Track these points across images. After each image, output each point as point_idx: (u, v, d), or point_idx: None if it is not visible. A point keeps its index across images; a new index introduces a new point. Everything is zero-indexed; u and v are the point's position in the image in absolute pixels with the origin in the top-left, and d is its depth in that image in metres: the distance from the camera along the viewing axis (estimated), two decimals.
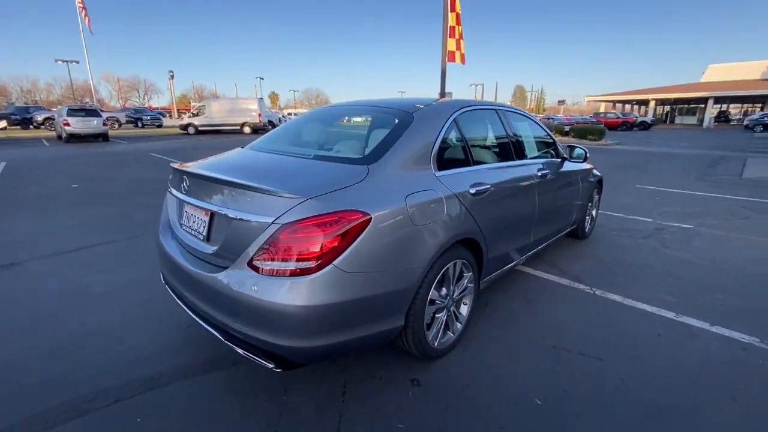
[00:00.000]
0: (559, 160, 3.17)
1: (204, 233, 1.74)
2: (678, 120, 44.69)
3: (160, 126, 29.78)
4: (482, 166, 2.29)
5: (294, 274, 1.42)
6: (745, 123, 30.36)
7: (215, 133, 22.47)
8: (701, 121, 39.30)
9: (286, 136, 2.60)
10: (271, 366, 1.53)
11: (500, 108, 2.77)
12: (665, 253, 3.66)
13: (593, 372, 1.97)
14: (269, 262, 1.46)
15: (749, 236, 4.19)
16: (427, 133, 2.02)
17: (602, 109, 44.26)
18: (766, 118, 27.99)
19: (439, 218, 1.82)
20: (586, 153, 3.26)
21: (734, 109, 47.89)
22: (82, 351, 2.09)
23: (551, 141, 3.24)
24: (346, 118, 2.86)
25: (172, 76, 39.50)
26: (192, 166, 1.95)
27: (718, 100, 39.43)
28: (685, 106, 44.06)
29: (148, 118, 30.50)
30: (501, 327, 2.37)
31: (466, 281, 2.12)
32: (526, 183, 2.59)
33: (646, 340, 2.26)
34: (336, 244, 1.43)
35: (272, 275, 1.45)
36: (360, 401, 1.75)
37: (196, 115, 22.74)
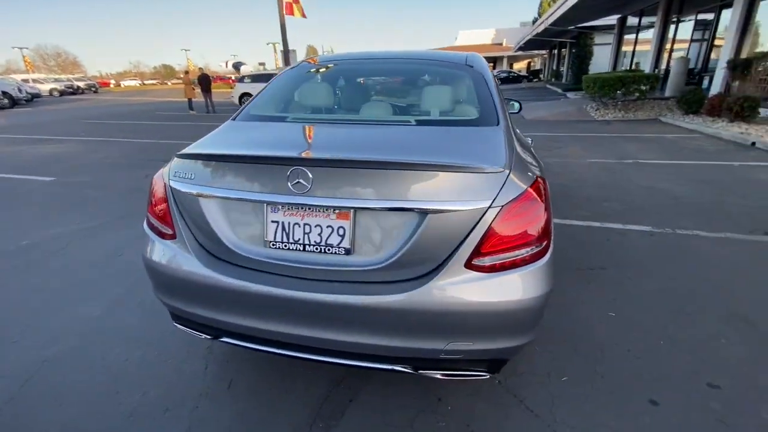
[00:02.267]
0: None
1: (345, 243, 1.24)
2: None
3: None
4: None
5: (525, 262, 1.21)
6: None
7: None
8: None
9: (316, 102, 2.03)
10: (484, 374, 1.32)
11: None
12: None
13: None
14: (495, 256, 1.19)
15: (580, 158, 5.82)
16: (496, 85, 1.93)
17: None
18: (501, 74, 37.46)
19: None
20: (520, 105, 3.63)
21: None
22: None
23: None
24: (376, 76, 2.36)
25: None
26: (308, 152, 1.31)
27: None
28: None
29: None
30: None
31: None
32: None
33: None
34: (549, 215, 1.29)
35: (501, 270, 1.20)
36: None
37: None
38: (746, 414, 1.53)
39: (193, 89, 14.86)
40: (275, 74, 13.08)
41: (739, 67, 8.97)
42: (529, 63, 50.68)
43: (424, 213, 1.17)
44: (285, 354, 1.40)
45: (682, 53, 13.41)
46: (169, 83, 72.63)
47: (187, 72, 16.39)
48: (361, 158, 1.22)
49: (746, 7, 9.34)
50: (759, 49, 8.53)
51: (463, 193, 1.17)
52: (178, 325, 1.58)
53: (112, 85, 56.46)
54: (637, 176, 4.90)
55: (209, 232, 1.35)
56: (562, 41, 27.39)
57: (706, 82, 11.23)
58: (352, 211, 1.22)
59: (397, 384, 1.70)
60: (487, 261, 1.19)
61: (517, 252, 1.20)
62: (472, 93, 1.86)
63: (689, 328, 2.04)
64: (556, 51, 33.36)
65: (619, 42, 18.51)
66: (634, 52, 17.76)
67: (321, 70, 2.26)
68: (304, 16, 9.34)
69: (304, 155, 1.25)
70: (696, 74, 12.48)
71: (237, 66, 39.57)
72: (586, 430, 1.48)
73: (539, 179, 1.30)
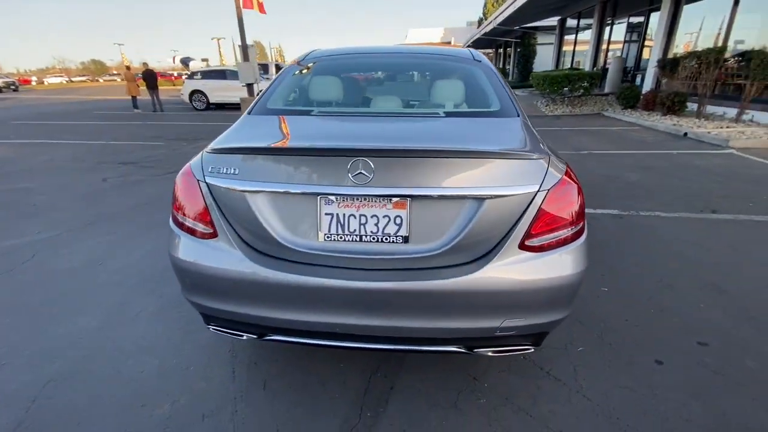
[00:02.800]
0: None
1: (402, 232, 1.27)
2: None
3: None
4: None
5: (567, 241, 1.32)
6: None
7: None
8: None
9: (336, 96, 2.00)
10: (530, 348, 1.42)
11: None
12: None
13: None
14: (543, 236, 1.28)
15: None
16: (504, 79, 2.04)
17: None
18: None
19: None
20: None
21: None
22: None
23: None
24: (387, 70, 2.35)
25: None
26: (355, 142, 1.32)
27: None
28: None
29: None
30: None
31: None
32: None
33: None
34: (582, 198, 1.40)
35: (549, 249, 1.29)
36: None
37: None
38: (735, 364, 1.77)
39: (138, 86, 13.83)
40: (231, 70, 12.40)
41: (667, 66, 9.97)
42: None
43: (481, 199, 1.24)
44: (337, 345, 1.41)
45: (617, 53, 14.64)
46: (101, 80, 66.75)
47: (128, 67, 15.19)
48: (422, 147, 1.26)
49: (671, 11, 10.41)
50: (694, 49, 9.56)
51: (515, 178, 1.26)
52: (213, 328, 1.53)
53: (34, 83, 50.74)
54: (594, 166, 5.33)
55: (258, 229, 1.32)
56: (508, 40, 28.78)
57: (639, 80, 12.36)
58: (408, 200, 1.26)
59: (430, 367, 1.76)
60: (536, 242, 1.28)
61: (561, 232, 1.31)
62: (488, 86, 1.95)
63: (672, 297, 2.30)
64: (501, 50, 34.98)
65: (561, 42, 19.81)
66: (574, 51, 19.06)
67: (330, 64, 2.25)
68: (263, 11, 9.03)
69: (367, 146, 1.26)
70: (630, 72, 13.69)
71: (185, 61, 37.19)
72: (609, 390, 1.64)
73: (568, 165, 1.42)
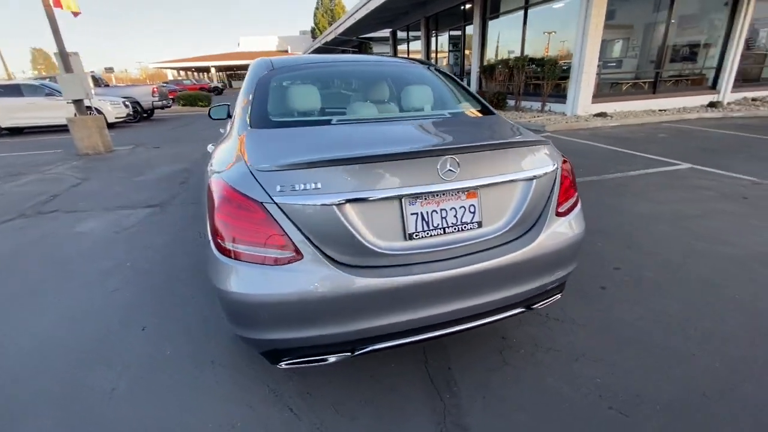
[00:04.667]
0: None
1: (476, 218, 1.44)
2: (237, 85, 52.13)
3: None
4: None
5: (574, 206, 1.70)
6: None
7: None
8: None
9: (332, 104, 2.03)
10: (559, 295, 1.78)
11: None
12: None
13: None
14: (564, 204, 1.63)
15: None
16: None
17: (171, 77, 43.89)
18: None
19: None
20: None
21: None
22: None
23: None
24: (363, 78, 2.30)
25: None
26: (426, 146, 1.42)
27: None
28: (242, 71, 51.77)
29: None
30: None
31: None
32: None
33: None
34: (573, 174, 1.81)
35: (566, 214, 1.64)
36: None
37: None
38: (639, 276, 2.53)
39: None
40: (29, 84, 9.91)
41: (486, 71, 12.38)
42: None
43: (531, 179, 1.51)
44: (425, 338, 1.48)
45: (446, 60, 17.25)
46: None
47: None
48: (488, 143, 1.45)
49: (481, 25, 12.91)
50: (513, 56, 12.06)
51: (545, 159, 1.58)
52: (287, 364, 1.40)
53: None
54: None
55: (348, 239, 1.29)
56: (345, 49, 30.45)
57: (466, 83, 14.92)
58: (479, 189, 1.44)
59: (465, 344, 1.96)
60: (563, 208, 1.64)
61: (572, 198, 1.70)
62: (459, 88, 2.24)
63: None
64: None
65: (395, 51, 22.12)
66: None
67: (309, 74, 2.16)
68: (77, 12, 7.42)
69: (453, 145, 1.41)
70: (459, 77, 16.40)
71: None
72: (590, 314, 2.14)
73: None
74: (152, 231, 3.58)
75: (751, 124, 8.30)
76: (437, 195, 1.39)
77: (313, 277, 1.28)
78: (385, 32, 22.65)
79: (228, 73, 53.39)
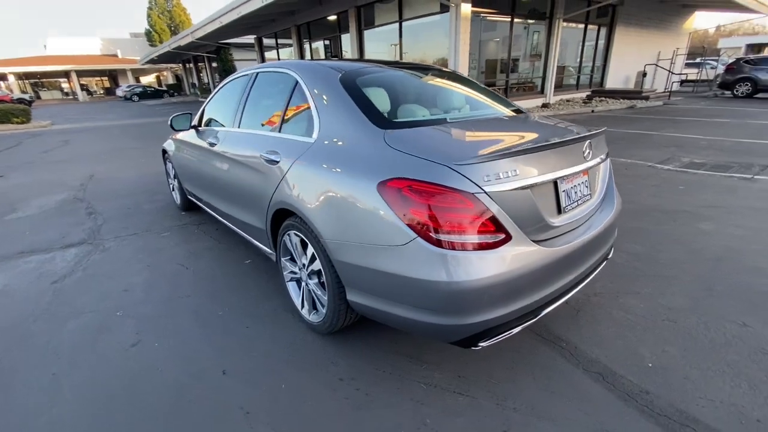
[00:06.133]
0: None
1: (589, 191, 1.80)
2: (49, 96, 41.67)
3: None
4: None
5: None
6: (121, 93, 34.44)
7: None
8: (74, 94, 39.24)
9: (414, 103, 2.09)
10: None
11: None
12: None
13: None
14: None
15: None
16: None
17: None
18: (136, 89, 33.46)
19: None
20: None
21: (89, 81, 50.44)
22: None
23: None
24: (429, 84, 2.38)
25: None
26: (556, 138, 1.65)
27: (80, 73, 40.19)
28: (52, 79, 41.42)
29: None
30: None
31: None
32: None
33: None
34: None
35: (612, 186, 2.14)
36: None
37: None
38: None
39: None
40: None
41: None
42: (158, 77, 47.20)
43: (606, 158, 1.95)
44: (564, 300, 1.75)
45: None
46: None
47: None
48: (593, 133, 1.79)
49: (358, 35, 13.60)
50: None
51: (604, 145, 2.04)
52: (487, 343, 1.50)
53: None
54: None
55: (536, 217, 1.51)
56: (200, 55, 27.73)
57: None
58: (590, 169, 1.80)
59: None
60: (612, 182, 2.13)
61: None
62: (485, 89, 2.58)
63: None
64: (191, 65, 33.21)
65: (262, 58, 21.29)
66: None
67: (377, 77, 2.15)
68: None
69: (586, 133, 1.73)
70: None
71: None
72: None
73: None
74: (113, 271, 2.89)
75: (576, 119, 11.02)
76: (574, 175, 1.70)
77: (522, 255, 1.44)
78: (249, 38, 21.58)
79: (33, 81, 42.15)
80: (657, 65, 16.73)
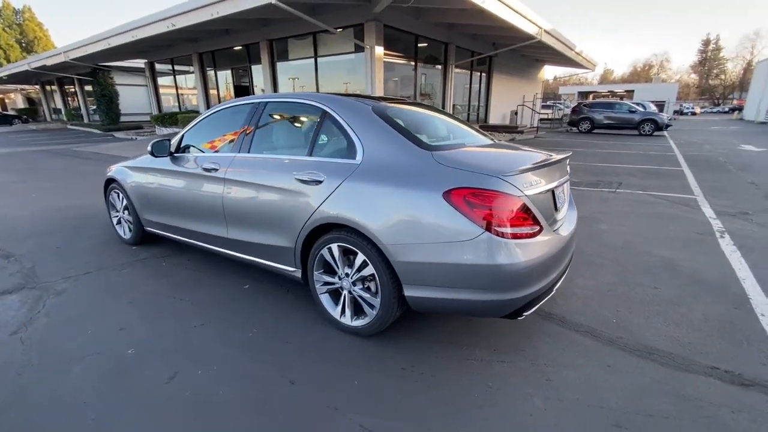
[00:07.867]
0: None
1: (564, 196, 2.44)
2: None
3: None
4: None
5: None
6: None
7: None
8: None
9: (429, 131, 2.58)
10: None
11: None
12: None
13: None
14: None
15: None
16: None
17: None
18: None
19: None
20: None
21: None
22: None
23: None
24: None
25: None
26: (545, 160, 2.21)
27: None
28: None
29: None
30: None
31: None
32: None
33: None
34: None
35: None
36: None
37: None
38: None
39: None
40: None
41: None
42: (2, 99, 38.94)
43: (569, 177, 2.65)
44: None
45: (228, 97, 16.86)
46: None
47: None
48: (569, 154, 2.44)
49: (271, 66, 13.68)
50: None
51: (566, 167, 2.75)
52: (527, 313, 1.95)
53: None
54: None
55: (551, 213, 2.06)
56: (67, 77, 24.11)
57: None
58: (564, 183, 2.44)
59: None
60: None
61: None
62: (468, 123, 3.15)
63: None
64: (55, 87, 28.51)
65: (156, 84, 19.62)
66: (178, 94, 19.58)
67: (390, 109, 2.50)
68: None
69: (569, 153, 2.36)
70: None
71: None
72: None
73: None
74: (89, 314, 2.58)
75: None
76: (561, 183, 2.31)
77: (550, 240, 1.95)
78: (136, 62, 19.76)
79: None
80: (524, 105, 20.43)
